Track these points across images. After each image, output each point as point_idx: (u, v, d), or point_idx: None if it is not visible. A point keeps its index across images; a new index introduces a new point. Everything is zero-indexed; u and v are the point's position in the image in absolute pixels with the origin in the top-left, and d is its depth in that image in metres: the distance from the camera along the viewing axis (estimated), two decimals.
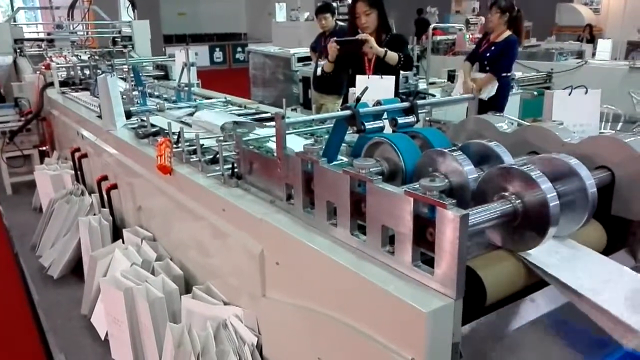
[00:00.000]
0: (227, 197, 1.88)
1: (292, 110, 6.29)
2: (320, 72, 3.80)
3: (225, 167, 2.01)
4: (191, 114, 3.15)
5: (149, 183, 2.57)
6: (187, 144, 2.28)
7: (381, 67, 3.46)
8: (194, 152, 2.21)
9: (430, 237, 1.15)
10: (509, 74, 4.92)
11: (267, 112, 3.20)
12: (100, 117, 3.30)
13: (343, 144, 1.99)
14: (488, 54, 4.84)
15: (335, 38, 3.66)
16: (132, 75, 3.75)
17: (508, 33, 4.78)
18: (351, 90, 2.87)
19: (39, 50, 6.50)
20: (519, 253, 1.36)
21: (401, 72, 3.89)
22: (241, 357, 1.74)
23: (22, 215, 4.64)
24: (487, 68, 4.81)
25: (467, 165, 1.41)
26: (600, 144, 1.56)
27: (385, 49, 3.46)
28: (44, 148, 5.44)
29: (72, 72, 4.97)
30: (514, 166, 1.35)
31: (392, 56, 3.46)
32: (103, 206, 3.25)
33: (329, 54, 3.59)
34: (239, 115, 3.03)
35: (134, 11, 7.27)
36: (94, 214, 3.19)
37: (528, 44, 8.95)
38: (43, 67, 5.32)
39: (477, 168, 1.49)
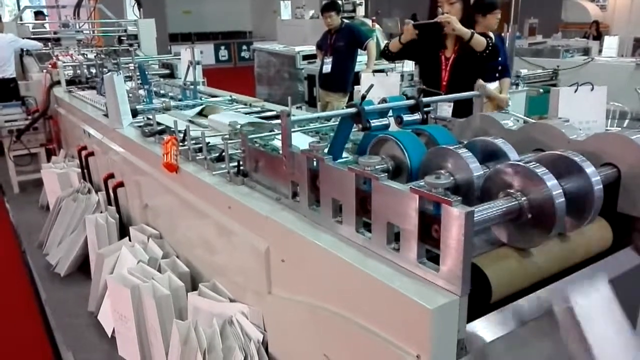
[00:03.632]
0: (233, 194, 1.88)
1: (297, 108, 6.29)
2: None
3: (231, 165, 2.01)
4: (200, 113, 3.17)
5: (155, 181, 2.58)
6: (193, 142, 2.29)
7: (461, 66, 3.15)
8: (200, 150, 2.22)
9: (436, 234, 1.15)
10: None
11: (272, 110, 3.21)
12: (106, 115, 3.31)
13: (348, 142, 1.99)
14: None
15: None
16: (138, 73, 3.76)
17: (490, 33, 4.56)
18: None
19: (45, 49, 6.52)
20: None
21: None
22: (247, 353, 1.75)
23: (29, 214, 4.66)
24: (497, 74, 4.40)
25: (473, 163, 1.41)
26: (607, 141, 1.55)
27: (471, 30, 3.08)
28: (51, 146, 5.47)
29: (78, 71, 5.00)
30: (519, 163, 1.34)
31: (480, 40, 3.05)
32: (109, 204, 3.27)
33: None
34: (246, 114, 3.04)
35: (139, 10, 7.30)
36: (101, 212, 3.20)
37: (534, 41, 8.91)
38: (50, 66, 5.34)
39: (482, 165, 1.49)
